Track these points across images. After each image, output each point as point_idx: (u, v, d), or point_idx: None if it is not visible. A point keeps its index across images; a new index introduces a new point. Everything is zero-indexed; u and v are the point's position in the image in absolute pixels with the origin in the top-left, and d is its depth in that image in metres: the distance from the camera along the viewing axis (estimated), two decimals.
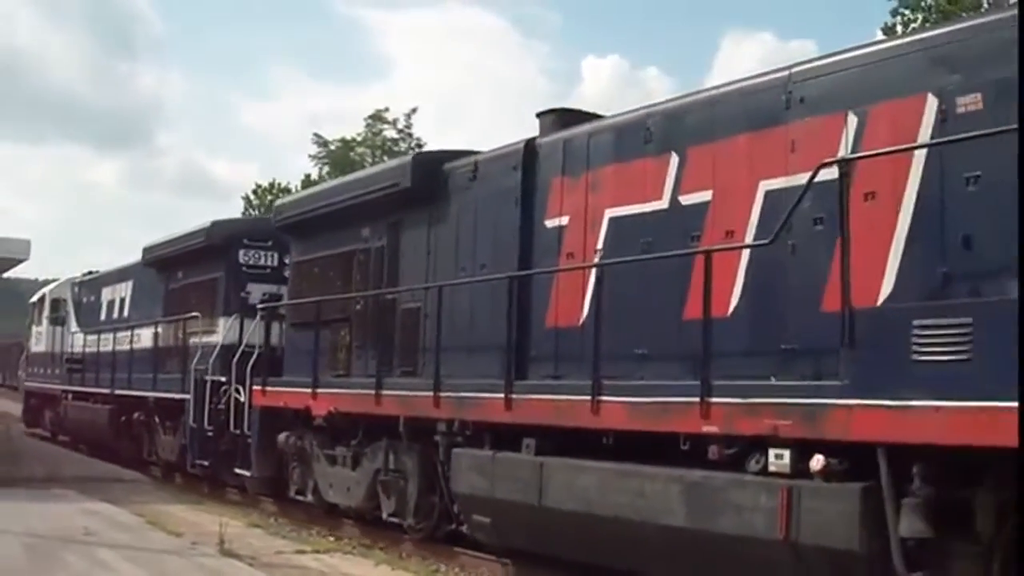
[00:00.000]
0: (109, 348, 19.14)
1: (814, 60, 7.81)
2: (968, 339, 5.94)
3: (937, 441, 6.07)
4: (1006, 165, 5.88)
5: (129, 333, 18.30)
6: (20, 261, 17.90)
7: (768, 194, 7.69)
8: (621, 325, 8.66)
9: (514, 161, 10.23)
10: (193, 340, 16.07)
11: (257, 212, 42.46)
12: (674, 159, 8.53)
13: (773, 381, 7.23)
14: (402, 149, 44.60)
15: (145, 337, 17.75)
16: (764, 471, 7.04)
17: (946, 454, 6.10)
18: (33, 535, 10.69)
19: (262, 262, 15.60)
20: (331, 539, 11.49)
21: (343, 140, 46.08)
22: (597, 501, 8.24)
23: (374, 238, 12.16)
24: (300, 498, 13.22)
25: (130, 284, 19.27)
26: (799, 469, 6.82)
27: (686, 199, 8.39)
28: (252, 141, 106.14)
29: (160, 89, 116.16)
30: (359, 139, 46.14)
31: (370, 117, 46.57)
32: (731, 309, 7.86)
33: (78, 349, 21.20)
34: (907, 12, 28.39)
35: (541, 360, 9.61)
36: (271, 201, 40.92)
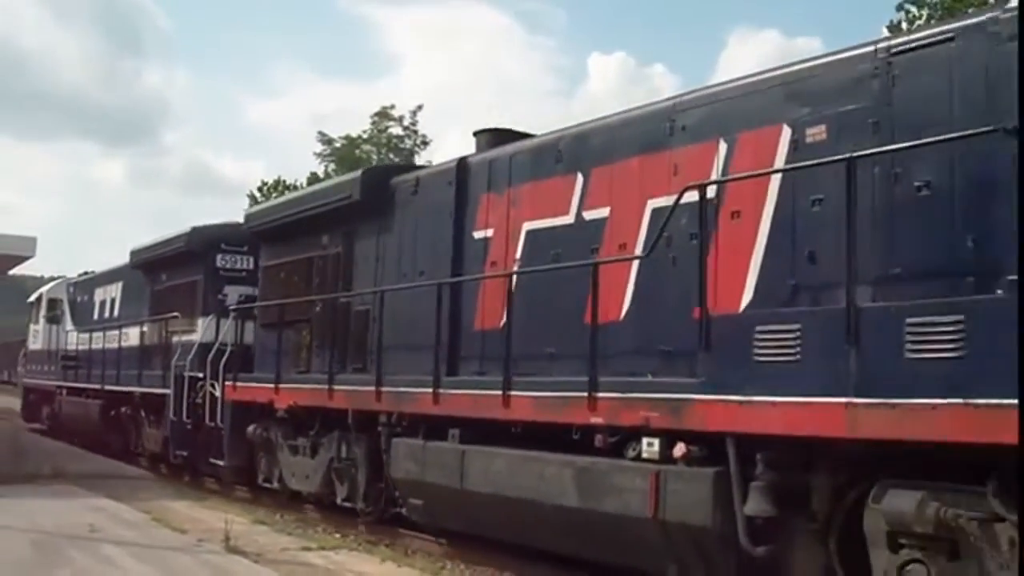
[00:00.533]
0: (100, 346, 19.98)
1: (694, 91, 8.58)
2: (798, 343, 6.72)
3: (775, 431, 6.85)
4: (844, 190, 6.68)
5: (118, 332, 19.12)
6: (26, 258, 17.68)
7: (654, 211, 8.46)
8: (535, 328, 9.44)
9: (449, 177, 11.01)
10: (175, 339, 16.87)
11: None
12: (579, 178, 9.31)
13: (650, 378, 7.99)
14: (407, 146, 44.61)
15: (132, 336, 18.56)
16: (639, 457, 7.83)
17: (786, 442, 6.88)
18: (39, 532, 10.57)
19: (238, 265, 16.36)
20: (337, 536, 11.32)
21: (348, 138, 45.53)
22: (507, 484, 9.04)
23: (331, 245, 12.95)
24: (267, 485, 14.01)
25: (120, 285, 20.09)
26: (667, 456, 7.61)
27: (588, 215, 9.18)
28: (258, 139, 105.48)
29: (167, 87, 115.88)
30: (365, 136, 45.52)
31: (376, 114, 45.79)
32: (623, 314, 8.64)
33: (72, 347, 22.05)
34: (912, 8, 27.81)
35: (470, 359, 10.39)
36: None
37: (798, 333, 6.73)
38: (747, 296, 7.59)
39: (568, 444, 8.58)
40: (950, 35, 6.57)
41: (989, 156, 6.08)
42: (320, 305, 12.93)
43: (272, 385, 13.21)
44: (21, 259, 17.84)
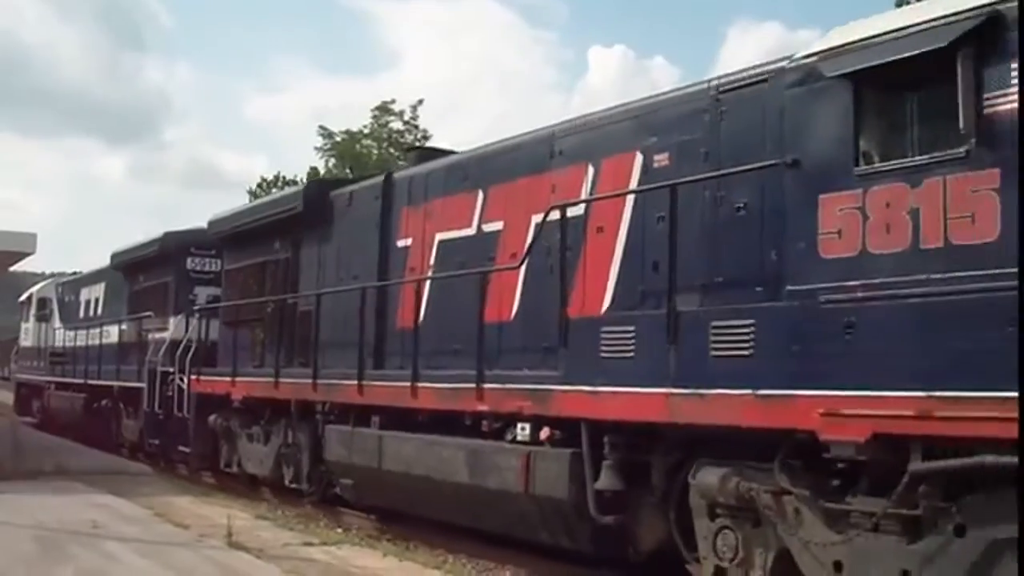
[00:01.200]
0: (84, 343, 20.96)
1: (569, 121, 9.53)
2: (633, 342, 7.71)
3: (616, 417, 7.85)
4: (682, 210, 7.64)
5: (100, 329, 20.08)
6: (26, 255, 17.14)
7: (537, 225, 9.40)
8: (443, 327, 10.41)
9: (376, 192, 11.98)
10: (150, 336, 17.84)
11: None
12: (480, 195, 10.28)
13: (525, 372, 8.96)
14: (408, 141, 42.16)
15: (112, 333, 19.53)
16: (515, 440, 8.82)
17: (628, 427, 7.85)
18: (42, 528, 10.40)
19: (207, 268, 17.32)
20: (339, 531, 11.16)
21: (348, 132, 43.43)
22: (414, 464, 10.06)
23: (282, 251, 13.92)
24: (228, 470, 14.99)
25: (103, 285, 21.06)
26: (536, 439, 8.60)
27: (487, 227, 10.15)
28: (259, 134, 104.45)
29: (168, 82, 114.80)
30: (365, 131, 43.36)
31: (376, 109, 43.50)
32: (512, 315, 9.60)
33: (60, 344, 23.03)
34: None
35: (394, 355, 11.36)
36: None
37: (632, 334, 7.73)
38: (607, 301, 8.54)
39: (463, 429, 9.57)
40: (764, 77, 7.50)
41: (780, 184, 7.03)
42: (271, 306, 13.88)
43: (229, 378, 14.19)
44: (21, 256, 17.34)
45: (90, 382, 20.12)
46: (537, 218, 9.36)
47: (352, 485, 11.52)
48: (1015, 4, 5.72)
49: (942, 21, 5.94)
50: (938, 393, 5.71)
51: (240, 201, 44.81)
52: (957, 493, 5.92)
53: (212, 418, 14.92)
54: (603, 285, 8.60)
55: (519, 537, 9.15)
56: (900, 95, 6.23)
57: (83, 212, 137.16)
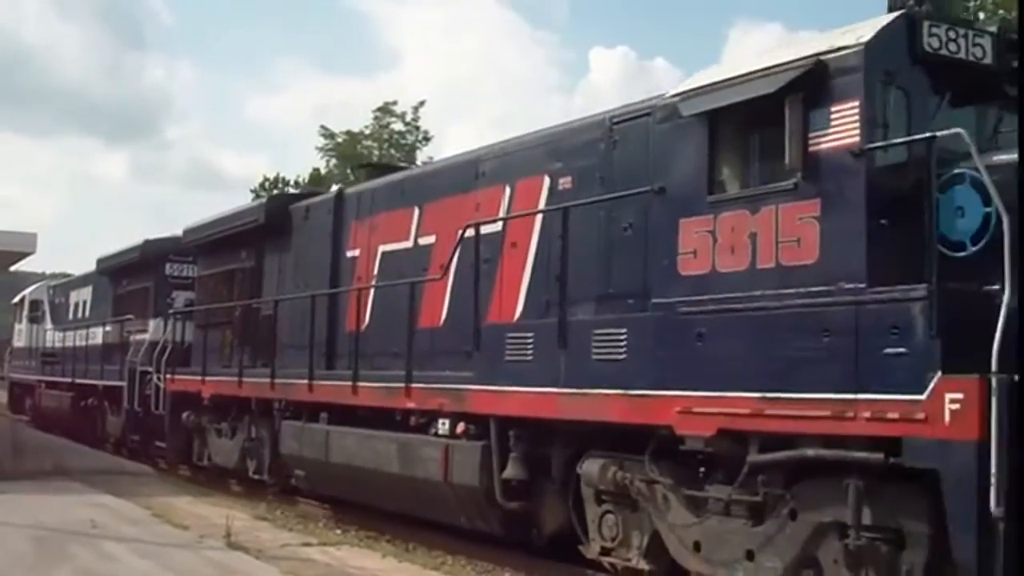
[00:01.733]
0: (72, 344, 21.67)
1: (491, 146, 10.27)
2: (531, 346, 8.45)
3: (518, 414, 8.59)
4: (582, 229, 8.38)
5: (86, 331, 20.80)
6: (26, 255, 16.89)
7: (467, 240, 10.12)
8: (385, 331, 11.13)
9: (329, 207, 12.71)
10: (131, 337, 18.55)
11: None
12: (416, 211, 11.01)
13: (448, 373, 9.70)
14: (409, 142, 42.21)
15: (98, 335, 20.24)
16: (437, 434, 9.56)
17: (530, 422, 8.59)
18: (41, 528, 10.25)
19: (185, 273, 18.02)
20: (338, 532, 11.03)
21: (349, 133, 42.61)
22: (355, 456, 10.79)
23: (247, 260, 14.65)
24: (200, 463, 15.70)
25: (90, 289, 21.77)
26: (454, 433, 9.34)
27: (422, 241, 10.89)
28: (260, 134, 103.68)
29: (169, 82, 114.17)
30: (367, 132, 42.54)
31: (377, 110, 42.59)
32: (441, 321, 10.32)
33: (51, 344, 23.74)
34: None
35: (342, 356, 12.08)
36: (278, 194, 40.23)
37: (532, 340, 8.48)
38: (519, 309, 9.28)
39: (396, 424, 10.32)
40: (646, 111, 8.22)
41: (650, 208, 7.77)
42: (238, 310, 14.61)
43: (200, 378, 14.93)
44: (22, 255, 17.09)
45: (77, 381, 20.85)
46: (467, 232, 10.11)
47: (305, 476, 12.27)
48: (837, 55, 6.47)
49: (776, 69, 6.68)
50: (769, 394, 6.47)
51: (242, 200, 45.38)
52: (792, 481, 6.66)
53: (185, 415, 15.63)
54: (516, 295, 9.34)
55: (442, 521, 9.89)
56: (744, 133, 6.98)
57: (84, 212, 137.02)
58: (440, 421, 9.55)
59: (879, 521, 6.10)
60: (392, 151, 40.76)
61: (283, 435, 12.51)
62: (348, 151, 41.65)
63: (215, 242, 15.64)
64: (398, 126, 42.23)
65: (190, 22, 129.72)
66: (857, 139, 6.23)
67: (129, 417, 17.92)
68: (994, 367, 5.38)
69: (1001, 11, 21.48)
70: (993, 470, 5.35)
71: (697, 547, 7.26)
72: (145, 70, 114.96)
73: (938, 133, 5.89)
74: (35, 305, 25.52)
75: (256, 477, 13.88)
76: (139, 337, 18.19)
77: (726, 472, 7.09)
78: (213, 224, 15.86)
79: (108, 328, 19.67)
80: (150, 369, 17.37)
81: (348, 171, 38.97)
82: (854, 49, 6.37)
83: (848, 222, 6.21)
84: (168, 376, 16.17)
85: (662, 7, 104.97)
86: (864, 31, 6.49)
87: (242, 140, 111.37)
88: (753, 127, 6.89)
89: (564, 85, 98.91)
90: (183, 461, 16.47)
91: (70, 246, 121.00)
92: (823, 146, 6.42)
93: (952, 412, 5.54)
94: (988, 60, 6.80)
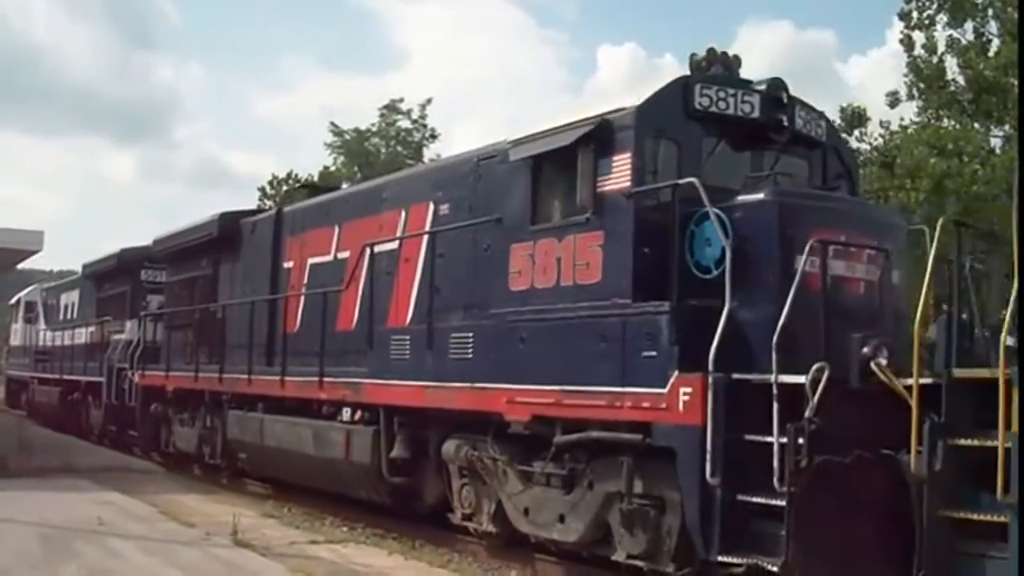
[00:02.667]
0: (61, 343, 23.17)
1: (394, 175, 11.71)
2: (409, 347, 9.90)
3: (399, 403, 10.05)
4: (454, 249, 9.79)
5: (72, 331, 22.30)
6: (33, 252, 16.74)
7: (371, 256, 11.54)
8: (310, 333, 12.56)
9: (271, 223, 14.16)
10: (111, 337, 20.02)
11: (272, 203, 38.85)
12: (336, 229, 12.44)
13: (352, 368, 11.14)
14: (416, 140, 41.50)
15: (83, 334, 21.74)
16: (342, 421, 11.02)
17: (409, 410, 10.04)
18: (47, 525, 10.17)
19: (157, 279, 19.45)
20: (344, 529, 11.01)
21: (357, 131, 41.99)
22: (283, 440, 12.27)
23: (206, 268, 16.11)
24: (167, 449, 17.16)
25: (77, 292, 23.26)
26: (354, 419, 10.80)
27: (340, 255, 12.31)
28: (268, 132, 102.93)
29: (177, 81, 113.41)
30: (374, 130, 41.96)
31: (384, 108, 41.99)
32: (354, 325, 11.75)
33: (43, 343, 25.25)
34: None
35: (278, 355, 13.49)
36: (286, 192, 40.22)
37: (409, 341, 9.93)
38: (409, 315, 10.70)
39: (314, 413, 11.79)
40: (497, 153, 9.61)
41: (494, 234, 9.19)
42: (197, 313, 16.07)
43: (164, 373, 16.41)
44: (29, 253, 16.98)
45: (64, 377, 22.36)
46: (378, 248, 11.55)
47: (247, 458, 13.75)
48: (618, 115, 7.90)
49: (576, 125, 8.14)
50: (566, 387, 7.93)
51: (250, 199, 44.08)
52: (592, 458, 8.09)
53: (153, 406, 17.13)
54: (407, 304, 10.77)
55: (345, 494, 11.36)
56: (554, 175, 8.44)
57: (92, 210, 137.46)
58: (344, 410, 11.03)
59: (647, 490, 7.55)
60: (399, 148, 40.71)
61: (229, 423, 14.00)
62: (356, 148, 41.56)
63: (180, 251, 17.10)
64: (405, 123, 41.85)
65: (198, 22, 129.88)
66: (628, 183, 7.68)
67: (107, 409, 19.41)
68: (711, 367, 6.80)
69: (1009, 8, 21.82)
70: (709, 448, 6.78)
71: (527, 512, 8.72)
72: (153, 70, 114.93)
73: (679, 181, 7.32)
74: (30, 306, 27.03)
75: (211, 462, 15.34)
76: (117, 337, 19.66)
77: (546, 451, 8.53)
78: (178, 235, 17.32)
79: (91, 328, 21.16)
80: (126, 366, 18.81)
81: (356, 169, 39.32)
82: (628, 111, 7.82)
83: (620, 250, 7.66)
84: (139, 372, 17.64)
85: (672, 4, 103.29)
86: (643, 94, 7.92)
87: (250, 139, 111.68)
88: (561, 171, 8.34)
89: (572, 84, 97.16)
90: (153, 448, 17.93)
91: (78, 245, 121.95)
92: (606, 188, 7.87)
93: (684, 403, 6.98)
94: (756, 114, 8.25)
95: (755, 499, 6.67)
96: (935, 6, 23.98)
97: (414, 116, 41.32)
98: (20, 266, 20.41)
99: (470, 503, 9.46)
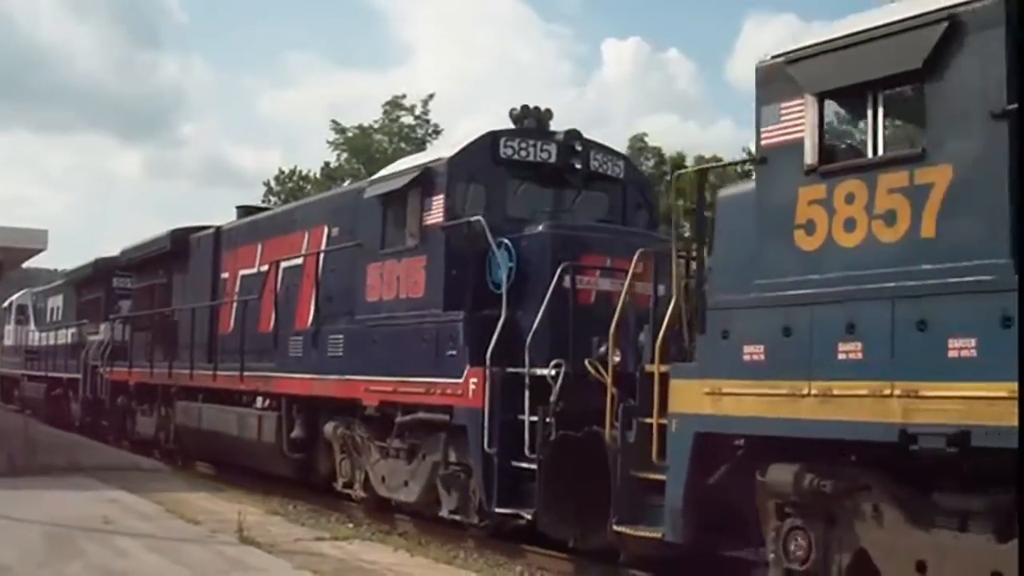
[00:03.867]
0: (47, 343, 25.46)
1: (303, 200, 13.88)
2: (302, 346, 12.07)
3: (294, 392, 12.24)
4: (340, 265, 11.93)
5: (57, 332, 24.58)
6: (38, 251, 16.92)
7: (283, 270, 13.71)
8: (238, 335, 14.74)
9: (212, 239, 16.36)
10: (89, 338, 22.26)
11: (278, 198, 40.70)
12: (260, 246, 14.63)
13: (265, 364, 13.31)
14: (419, 136, 41.62)
15: (65, 336, 24.02)
16: (256, 408, 13.23)
17: (304, 399, 12.22)
18: (53, 524, 10.15)
19: (128, 286, 21.65)
20: (350, 526, 11.14)
21: (360, 127, 42.07)
22: (215, 425, 14.49)
23: (163, 277, 18.34)
24: (133, 437, 19.37)
25: (62, 297, 25.53)
26: (265, 406, 13.01)
27: (261, 269, 14.50)
28: (274, 129, 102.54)
29: (183, 78, 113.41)
30: (377, 126, 42.00)
31: (387, 104, 42.03)
32: (271, 327, 13.93)
33: (32, 343, 27.53)
34: None
35: (216, 353, 15.71)
36: (292, 188, 42.08)
37: (302, 341, 12.12)
38: (309, 320, 12.86)
39: (238, 402, 14.00)
40: (363, 189, 11.74)
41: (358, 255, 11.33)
42: (155, 317, 18.28)
43: (127, 370, 18.65)
44: (33, 252, 17.13)
45: (49, 374, 24.66)
46: (284, 264, 13.74)
47: (191, 441, 15.96)
48: (436, 164, 10.06)
49: (408, 171, 10.33)
50: (400, 378, 10.10)
51: (256, 195, 44.24)
52: (426, 435, 10.25)
53: (120, 399, 19.37)
54: (307, 310, 12.95)
55: (261, 469, 13.56)
56: (395, 210, 10.62)
57: (98, 209, 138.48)
58: (258, 398, 13.23)
59: (458, 459, 9.72)
60: (402, 145, 40.44)
61: (177, 412, 16.24)
62: (359, 145, 41.65)
63: (142, 262, 19.35)
64: (408, 119, 41.83)
65: (204, 19, 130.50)
66: (442, 219, 9.84)
67: (84, 402, 21.68)
68: (488, 362, 8.95)
69: None
70: (486, 426, 8.93)
71: (383, 479, 10.89)
72: (159, 67, 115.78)
73: (470, 219, 9.47)
74: (21, 309, 29.33)
75: (168, 446, 17.56)
76: (93, 338, 21.90)
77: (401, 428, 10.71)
78: (140, 247, 19.57)
79: (72, 330, 23.42)
80: (99, 363, 21.04)
81: (359, 166, 39.60)
82: (443, 161, 9.99)
83: (436, 271, 9.86)
84: (109, 369, 19.88)
85: None
86: (459, 145, 10.09)
87: (256, 135, 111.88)
88: (400, 207, 10.54)
89: (577, 77, 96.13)
90: (122, 436, 20.17)
91: (84, 243, 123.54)
92: (428, 222, 10.05)
93: (472, 390, 9.16)
94: (553, 160, 10.40)
95: (521, 464, 8.82)
96: None
97: (417, 112, 41.39)
98: (25, 264, 20.61)
99: (347, 473, 11.65)
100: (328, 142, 42.56)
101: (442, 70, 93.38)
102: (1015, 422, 5.31)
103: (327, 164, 42.56)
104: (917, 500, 6.11)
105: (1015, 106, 5.57)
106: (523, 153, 10.26)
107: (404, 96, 41.88)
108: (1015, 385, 5.35)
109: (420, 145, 40.53)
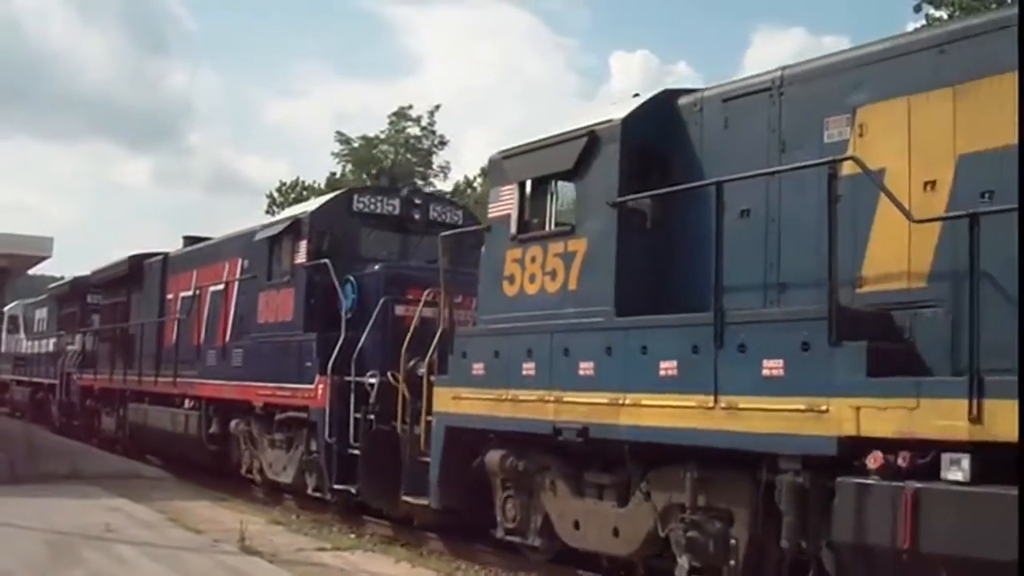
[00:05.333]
0: (33, 351, 28.38)
1: (229, 233, 16.66)
2: (215, 358, 14.87)
3: (212, 396, 15.01)
4: (248, 293, 14.71)
5: (40, 342, 27.50)
6: (43, 258, 17.38)
7: (211, 293, 16.49)
8: (179, 347, 17.55)
9: (161, 264, 19.21)
10: (66, 347, 25.13)
11: (281, 209, 40.57)
12: (195, 273, 17.46)
13: (193, 372, 16.10)
14: (425, 147, 42.57)
15: (47, 345, 26.92)
16: (186, 407, 16.04)
17: (222, 402, 14.98)
18: (55, 532, 10.24)
19: (99, 302, 24.48)
20: (352, 536, 11.28)
21: (365, 138, 42.95)
22: (157, 422, 17.35)
23: (123, 296, 21.23)
24: (99, 435, 22.19)
25: (46, 309, 28.44)
26: (192, 407, 15.82)
27: (195, 292, 17.29)
28: (281, 138, 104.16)
29: (191, 87, 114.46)
30: (382, 137, 42.83)
31: (393, 114, 42.87)
32: (201, 341, 16.72)
33: (21, 351, 30.46)
34: (931, 10, 27.08)
35: (171, 362, 18.50)
36: (295, 199, 43.53)
37: (217, 354, 14.90)
38: (227, 337, 15.64)
39: (173, 403, 16.81)
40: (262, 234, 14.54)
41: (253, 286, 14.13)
42: (116, 330, 21.13)
43: (93, 376, 21.53)
44: (38, 259, 17.50)
45: (33, 380, 27.60)
46: (212, 288, 16.49)
47: (141, 437, 18.80)
48: (301, 215, 12.82)
49: (283, 221, 13.11)
50: (277, 384, 12.87)
51: (262, 205, 46.95)
52: (299, 429, 12.98)
53: (88, 402, 22.24)
54: (225, 328, 15.76)
55: (191, 458, 16.35)
56: (276, 250, 13.45)
57: (106, 217, 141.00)
58: (187, 400, 16.04)
59: (315, 448, 12.43)
60: (408, 156, 41.77)
61: (129, 412, 19.07)
62: (364, 155, 42.33)
63: (108, 282, 22.27)
64: (414, 130, 42.41)
65: (212, 28, 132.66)
66: (305, 259, 12.63)
67: (60, 405, 24.58)
68: (328, 372, 11.71)
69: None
70: (327, 421, 11.70)
71: (270, 466, 13.67)
72: (167, 76, 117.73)
73: (319, 261, 12.22)
74: (12, 319, 32.26)
75: (126, 443, 20.37)
76: (69, 347, 24.78)
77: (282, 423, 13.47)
78: (106, 269, 22.48)
79: (52, 340, 26.33)
80: (73, 371, 23.90)
81: (364, 176, 40.48)
82: (307, 214, 12.84)
83: (300, 300, 12.67)
84: (79, 375, 22.74)
85: (685, 11, 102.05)
86: (316, 203, 12.87)
87: (263, 145, 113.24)
88: (279, 248, 13.33)
89: (585, 90, 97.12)
90: (91, 435, 23.01)
91: (91, 251, 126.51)
92: (296, 262, 12.92)
93: (319, 394, 11.94)
94: (396, 211, 13.19)
95: (352, 451, 11.56)
96: (950, 12, 25.42)
97: (423, 123, 42.00)
98: (30, 272, 21.37)
99: (248, 461, 14.42)
100: (333, 153, 43.76)
101: (450, 80, 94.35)
102: (617, 420, 7.98)
103: (333, 175, 43.76)
104: (577, 477, 8.77)
105: (621, 199, 8.25)
106: (373, 206, 13.07)
107: (411, 107, 42.40)
108: (617, 394, 8.01)
109: (425, 156, 42.01)
